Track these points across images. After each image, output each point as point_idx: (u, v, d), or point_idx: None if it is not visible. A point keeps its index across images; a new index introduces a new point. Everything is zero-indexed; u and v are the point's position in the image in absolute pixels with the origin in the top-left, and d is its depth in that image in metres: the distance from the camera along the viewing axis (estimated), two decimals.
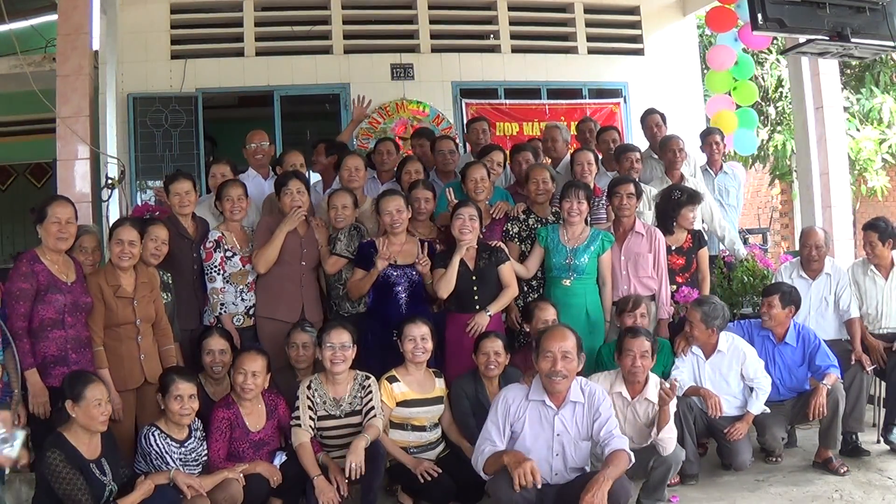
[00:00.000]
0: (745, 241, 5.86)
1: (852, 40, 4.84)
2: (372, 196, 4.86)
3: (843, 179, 6.43)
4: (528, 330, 4.35)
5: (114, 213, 5.79)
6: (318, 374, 3.90)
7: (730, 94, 7.09)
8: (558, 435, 3.38)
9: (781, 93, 9.66)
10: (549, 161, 5.75)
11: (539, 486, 3.12)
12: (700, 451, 4.35)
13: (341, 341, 3.80)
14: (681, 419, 4.00)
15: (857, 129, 9.02)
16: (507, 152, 5.52)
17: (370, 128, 6.98)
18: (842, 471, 4.17)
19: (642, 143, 5.97)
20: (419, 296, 4.38)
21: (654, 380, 3.90)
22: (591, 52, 7.64)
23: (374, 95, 6.69)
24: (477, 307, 4.29)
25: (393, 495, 4.01)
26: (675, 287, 4.71)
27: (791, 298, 4.40)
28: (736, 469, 4.18)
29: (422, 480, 3.78)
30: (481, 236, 4.44)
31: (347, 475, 3.50)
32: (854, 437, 4.45)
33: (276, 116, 7.00)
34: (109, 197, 5.72)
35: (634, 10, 7.79)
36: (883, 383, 4.65)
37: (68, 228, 3.65)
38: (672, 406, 3.73)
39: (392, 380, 3.94)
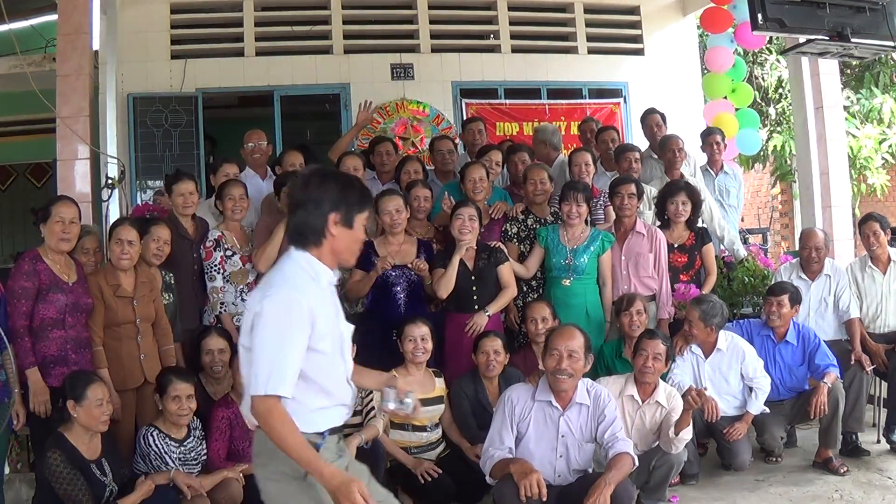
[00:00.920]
0: (745, 242, 5.86)
1: (852, 40, 4.84)
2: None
3: (843, 179, 6.43)
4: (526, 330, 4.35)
5: (114, 213, 5.76)
6: None
7: (726, 98, 7.08)
8: (563, 436, 3.38)
9: (781, 93, 9.67)
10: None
11: (545, 500, 3.11)
12: (700, 451, 4.35)
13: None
14: None
15: (858, 128, 9.03)
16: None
17: (370, 128, 6.98)
18: (842, 471, 4.17)
19: (642, 143, 5.96)
20: (418, 295, 4.38)
21: (664, 387, 3.89)
22: (591, 52, 7.61)
23: (374, 95, 6.70)
24: (476, 307, 4.30)
25: (393, 495, 3.99)
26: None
27: (798, 298, 4.44)
28: (736, 469, 4.18)
29: (422, 481, 3.78)
30: (480, 236, 4.45)
31: None
32: (854, 436, 4.45)
33: (277, 116, 6.98)
34: (109, 197, 5.70)
35: (634, 11, 7.77)
36: (883, 383, 4.65)
37: (72, 228, 3.66)
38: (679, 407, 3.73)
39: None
